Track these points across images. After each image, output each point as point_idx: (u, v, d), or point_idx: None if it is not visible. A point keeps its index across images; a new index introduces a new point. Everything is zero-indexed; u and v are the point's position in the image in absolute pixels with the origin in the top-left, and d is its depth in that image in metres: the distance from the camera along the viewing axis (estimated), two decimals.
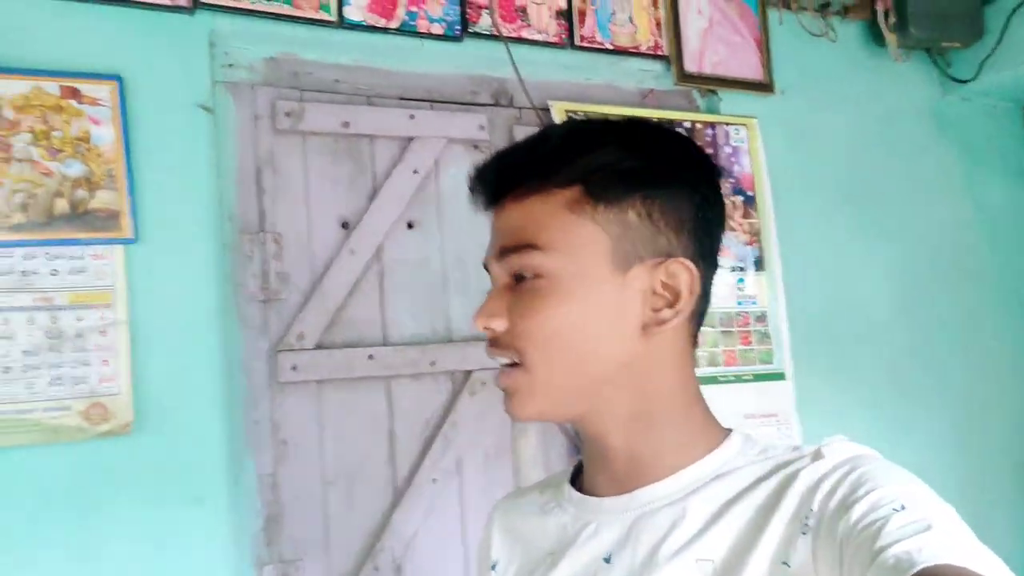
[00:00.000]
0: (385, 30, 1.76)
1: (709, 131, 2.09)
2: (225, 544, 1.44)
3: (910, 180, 2.33)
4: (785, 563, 0.58)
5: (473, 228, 1.75)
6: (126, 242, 1.46)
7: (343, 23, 1.72)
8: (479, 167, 0.71)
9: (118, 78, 1.50)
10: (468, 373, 1.74)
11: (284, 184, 1.65)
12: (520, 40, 1.90)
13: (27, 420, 1.33)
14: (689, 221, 0.67)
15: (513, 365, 0.67)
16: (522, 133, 1.89)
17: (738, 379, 1.95)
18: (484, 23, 1.87)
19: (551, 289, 0.65)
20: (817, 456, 0.62)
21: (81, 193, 1.44)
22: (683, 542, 0.63)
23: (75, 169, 1.45)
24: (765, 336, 2.01)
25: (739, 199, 2.07)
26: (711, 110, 2.16)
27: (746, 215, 2.07)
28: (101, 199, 1.46)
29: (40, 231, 1.40)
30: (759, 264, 2.05)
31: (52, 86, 1.45)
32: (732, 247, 2.03)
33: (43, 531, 1.32)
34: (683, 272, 0.66)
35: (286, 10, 1.66)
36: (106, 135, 1.48)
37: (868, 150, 2.29)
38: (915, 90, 2.40)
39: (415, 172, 1.75)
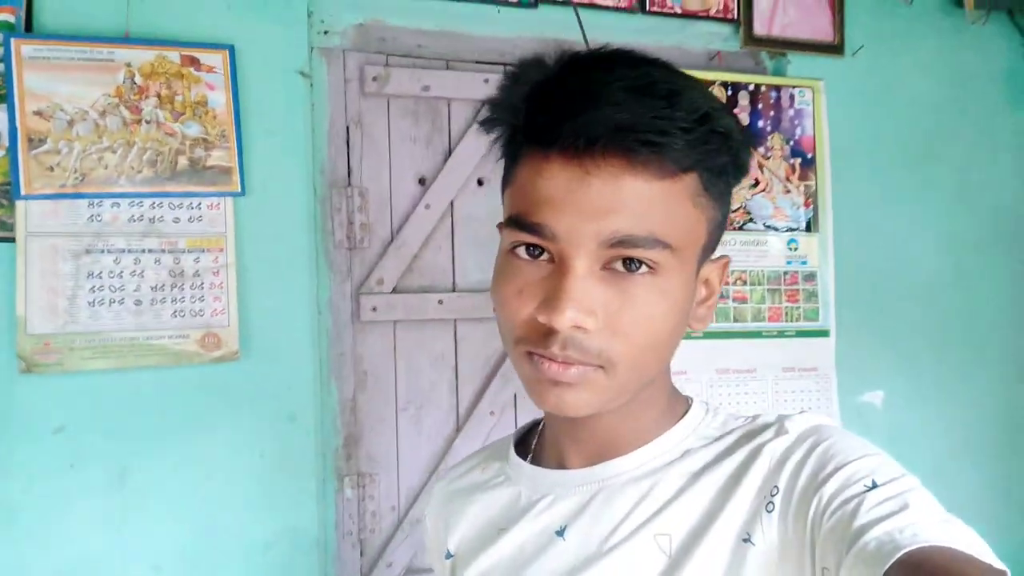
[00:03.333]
0: None
1: (774, 93, 2.16)
2: (312, 456, 1.71)
3: (978, 145, 2.34)
4: (747, 540, 0.57)
5: None
6: (235, 195, 1.69)
7: None
8: (571, 93, 0.55)
9: (230, 47, 1.71)
10: None
11: (369, 143, 1.85)
12: (591, 6, 2.01)
13: (155, 345, 1.61)
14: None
15: (594, 365, 0.57)
16: None
17: (781, 334, 2.08)
18: None
19: (661, 291, 0.57)
20: (780, 429, 0.61)
21: (199, 152, 1.67)
22: (644, 518, 0.61)
23: (194, 130, 1.68)
24: (812, 295, 2.12)
25: (797, 161, 2.15)
26: (778, 72, 2.22)
27: (803, 177, 2.15)
28: (215, 157, 1.68)
29: (165, 184, 1.65)
30: (811, 226, 2.14)
31: (174, 55, 1.67)
32: (786, 208, 2.12)
33: (164, 438, 1.61)
34: (721, 269, 0.65)
35: None
36: (219, 99, 1.70)
37: (936, 113, 2.30)
38: (992, 53, 2.37)
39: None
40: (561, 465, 0.68)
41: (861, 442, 0.58)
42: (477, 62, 1.95)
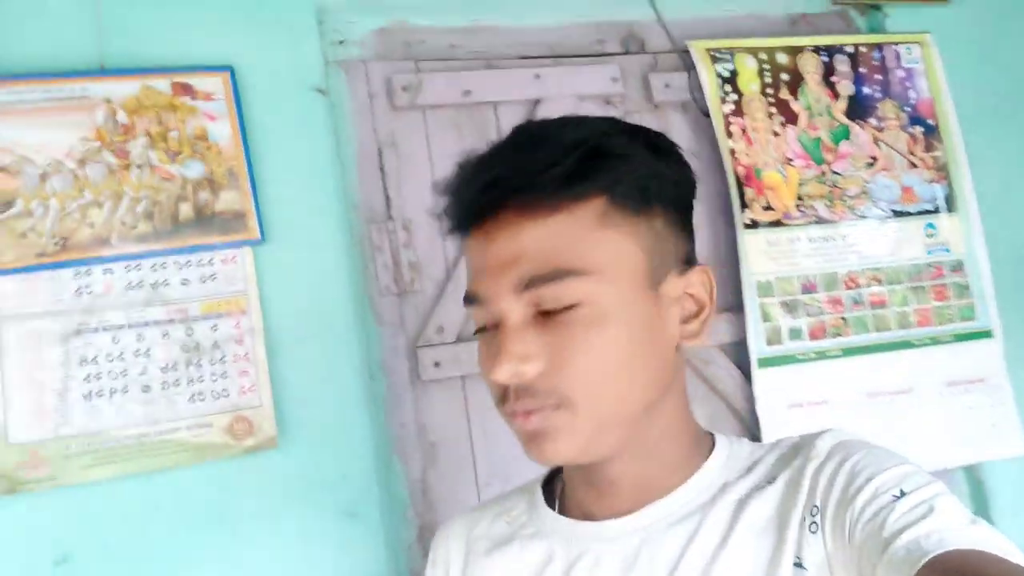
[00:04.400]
0: None
1: (876, 54, 1.80)
2: (383, 558, 1.34)
3: None
4: (799, 564, 0.57)
5: None
6: (254, 243, 1.37)
7: None
8: (460, 179, 0.62)
9: (229, 68, 1.41)
10: None
11: (407, 165, 1.53)
12: None
13: (172, 441, 1.27)
14: (690, 222, 0.66)
15: (552, 406, 0.59)
16: (659, 82, 1.68)
17: (935, 341, 1.68)
18: None
19: (595, 318, 0.58)
20: (811, 450, 0.61)
21: (204, 195, 1.36)
22: (705, 559, 0.60)
23: (195, 170, 1.37)
24: (964, 289, 1.72)
25: (918, 130, 1.78)
26: (874, 29, 1.87)
27: (928, 148, 1.78)
28: (225, 200, 1.37)
29: (167, 239, 1.33)
30: (950, 204, 1.75)
31: (163, 83, 1.37)
32: (915, 187, 1.74)
33: (194, 552, 1.26)
34: (704, 278, 0.65)
35: None
36: (223, 131, 1.39)
37: None
38: None
39: None
40: (589, 515, 0.66)
41: (887, 452, 0.59)
42: (522, 57, 1.63)
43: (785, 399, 1.57)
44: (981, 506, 1.70)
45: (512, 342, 0.58)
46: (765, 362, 1.58)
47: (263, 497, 1.30)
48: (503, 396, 0.61)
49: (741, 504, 0.62)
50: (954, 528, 0.49)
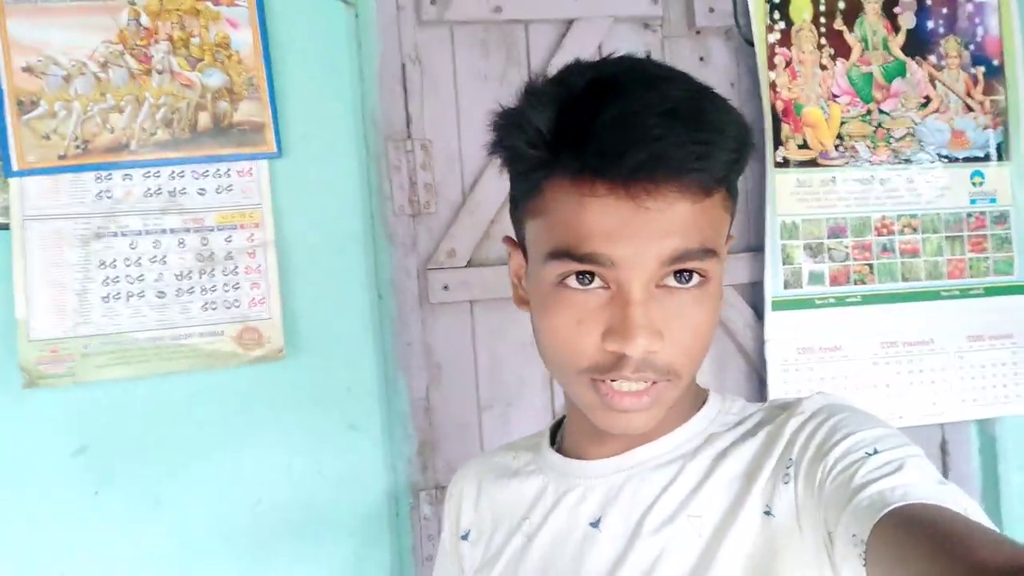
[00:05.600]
0: None
1: None
2: (380, 469, 1.40)
3: None
4: (768, 512, 0.59)
5: None
6: (270, 156, 1.38)
7: None
8: (609, 128, 0.55)
9: None
10: None
11: (431, 83, 1.49)
12: None
13: (184, 346, 1.32)
14: None
15: (654, 382, 0.59)
16: (703, 6, 1.58)
17: (964, 294, 1.62)
18: None
19: (710, 294, 0.60)
20: (796, 408, 0.63)
21: (223, 105, 1.36)
22: (678, 502, 0.63)
23: (216, 79, 1.37)
24: (1004, 242, 1.64)
25: (980, 70, 1.66)
26: None
27: (988, 91, 1.66)
28: (244, 111, 1.37)
29: (185, 148, 1.35)
30: (1002, 152, 1.65)
31: None
32: (968, 131, 1.64)
33: (202, 456, 1.33)
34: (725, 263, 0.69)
35: None
36: (245, 39, 1.38)
37: None
38: None
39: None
40: (584, 455, 0.70)
41: (870, 416, 0.60)
42: None
43: (796, 343, 1.55)
44: (990, 460, 1.68)
45: (646, 316, 0.57)
46: (780, 304, 1.55)
47: (269, 406, 1.36)
48: (606, 366, 0.59)
49: (722, 454, 0.64)
50: (920, 484, 0.50)
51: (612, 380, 0.58)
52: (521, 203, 0.64)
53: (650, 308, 0.57)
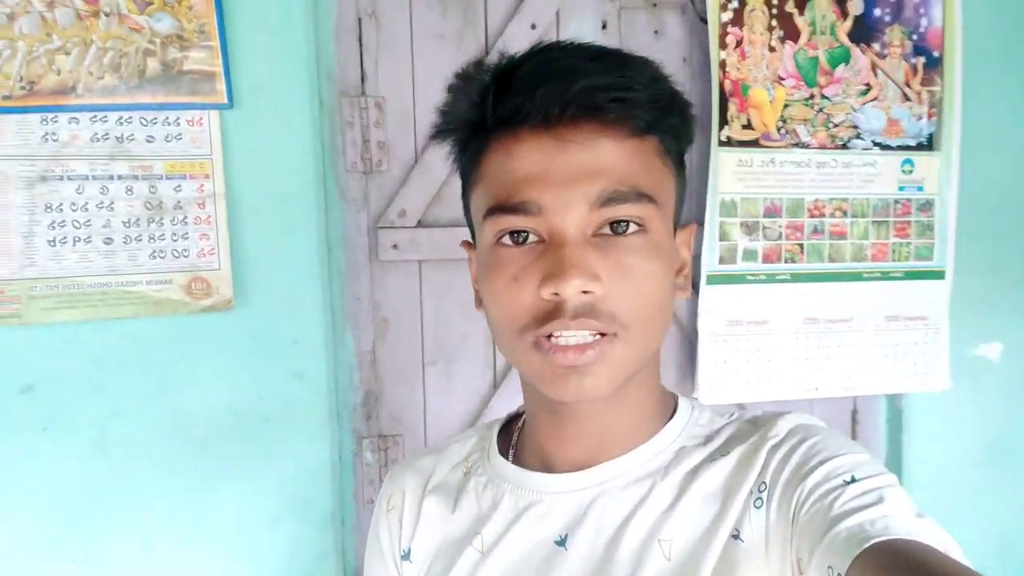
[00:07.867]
0: None
1: None
2: (326, 418, 1.45)
3: None
4: (736, 536, 0.58)
5: None
6: (221, 107, 1.37)
7: None
8: (527, 73, 0.57)
9: None
10: None
11: (387, 41, 1.49)
12: None
13: (132, 292, 1.34)
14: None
15: (600, 335, 0.57)
16: None
17: (885, 276, 1.72)
18: None
19: (653, 247, 0.58)
20: (770, 428, 0.62)
21: (173, 52, 1.35)
22: (649, 524, 0.61)
23: (165, 24, 1.34)
24: (927, 228, 1.74)
25: (920, 61, 1.73)
26: None
27: (926, 81, 1.73)
28: (194, 59, 1.36)
29: (133, 94, 1.33)
30: (933, 142, 1.74)
31: None
32: (903, 120, 1.72)
33: (148, 398, 1.36)
34: (691, 237, 0.68)
35: None
36: None
37: None
38: None
39: (533, 27, 1.54)
40: (547, 467, 0.66)
41: (846, 440, 0.60)
42: None
43: (726, 316, 1.64)
44: (896, 431, 1.81)
45: (579, 256, 0.55)
46: (714, 279, 1.63)
47: (217, 353, 1.39)
48: (543, 318, 0.56)
49: (693, 472, 0.62)
50: (900, 518, 0.49)
51: (555, 337, 0.56)
52: (467, 186, 0.64)
53: (585, 251, 0.55)
